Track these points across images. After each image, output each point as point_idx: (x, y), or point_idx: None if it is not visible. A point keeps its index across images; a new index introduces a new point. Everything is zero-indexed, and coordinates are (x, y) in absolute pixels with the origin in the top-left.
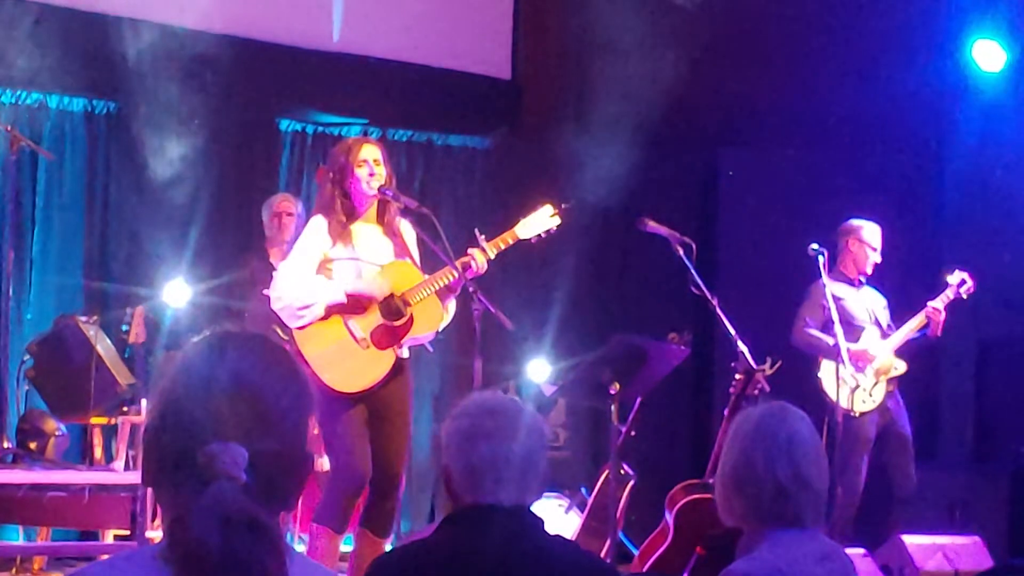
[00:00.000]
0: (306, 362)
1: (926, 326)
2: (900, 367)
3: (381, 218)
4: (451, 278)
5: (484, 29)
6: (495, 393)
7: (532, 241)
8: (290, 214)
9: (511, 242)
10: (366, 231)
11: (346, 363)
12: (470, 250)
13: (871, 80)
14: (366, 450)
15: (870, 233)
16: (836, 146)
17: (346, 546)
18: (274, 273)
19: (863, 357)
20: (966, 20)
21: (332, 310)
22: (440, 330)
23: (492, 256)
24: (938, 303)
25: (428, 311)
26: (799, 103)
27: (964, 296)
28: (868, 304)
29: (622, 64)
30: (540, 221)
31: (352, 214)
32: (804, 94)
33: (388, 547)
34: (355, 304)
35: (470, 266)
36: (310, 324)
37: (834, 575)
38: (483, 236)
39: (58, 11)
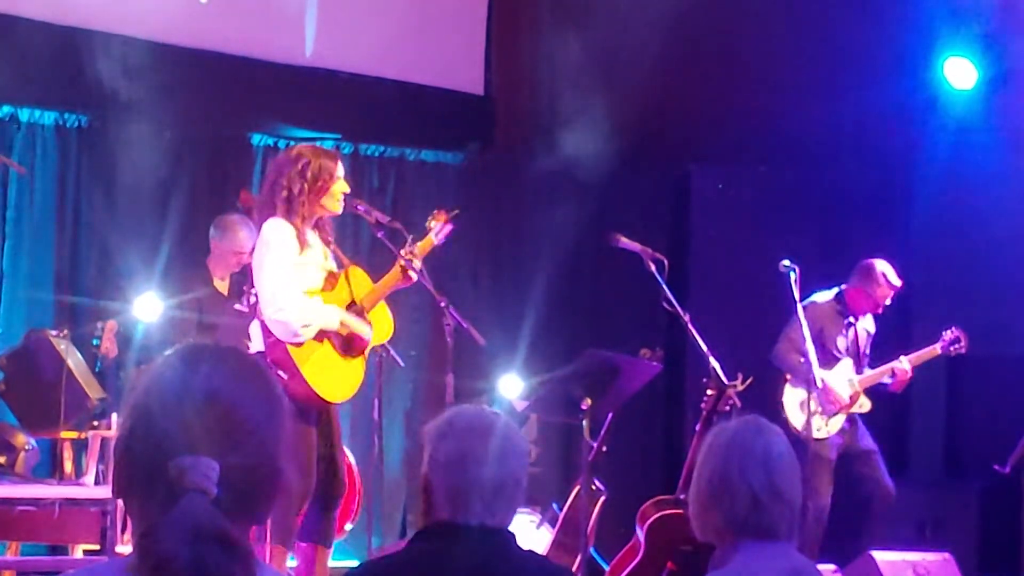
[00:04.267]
0: (298, 371)
1: (892, 375)
2: (865, 405)
3: (317, 224)
4: (395, 283)
5: (457, 45)
6: (481, 410)
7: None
8: (247, 252)
9: (428, 248)
10: (314, 236)
11: (331, 373)
12: (404, 255)
13: (842, 97)
14: (314, 465)
15: (885, 292)
16: (807, 163)
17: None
18: (247, 294)
19: (833, 400)
20: (937, 38)
21: (322, 334)
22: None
23: (419, 265)
24: (906, 364)
25: (381, 319)
26: (770, 120)
27: (953, 354)
28: (856, 334)
29: (595, 81)
30: (441, 228)
31: (311, 221)
32: (775, 111)
33: (339, 560)
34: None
35: (410, 272)
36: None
37: None
38: (414, 243)
39: (30, 24)
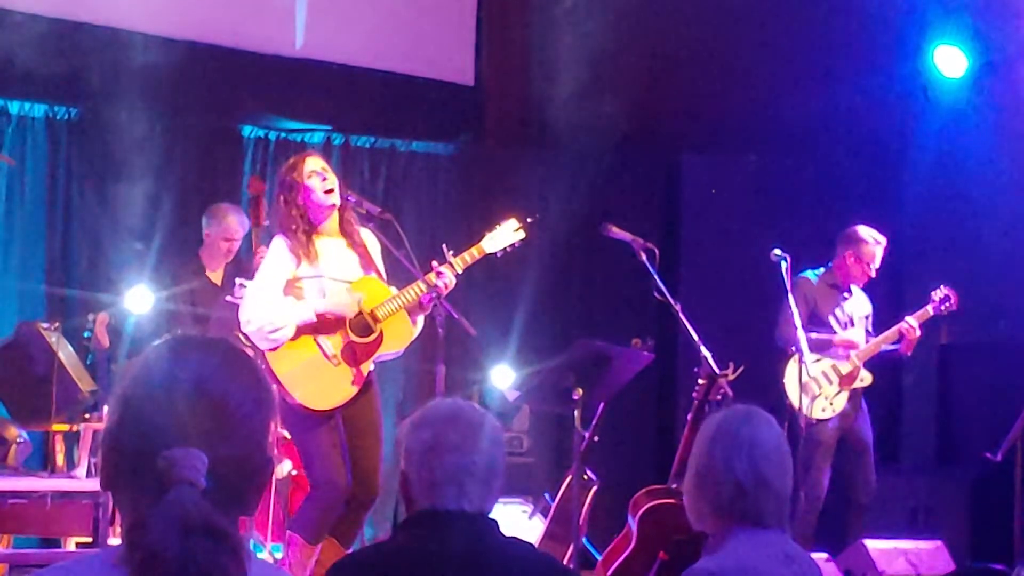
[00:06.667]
0: (277, 380)
1: (898, 340)
2: (867, 379)
3: (343, 229)
4: (420, 293)
5: (448, 35)
6: (455, 401)
7: (497, 255)
8: (237, 239)
9: (478, 256)
10: (330, 245)
11: (317, 380)
12: (437, 266)
13: (833, 86)
14: (343, 463)
15: (872, 250)
16: (798, 152)
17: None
18: (238, 285)
19: (851, 345)
20: (928, 26)
21: (302, 330)
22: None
23: (459, 271)
24: (914, 320)
25: (397, 327)
26: (761, 109)
27: (945, 312)
28: (850, 311)
29: (585, 70)
30: (505, 235)
31: (312, 229)
32: (766, 100)
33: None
34: (325, 322)
35: (438, 283)
36: (282, 345)
37: None
38: (451, 252)
39: (20, 16)
